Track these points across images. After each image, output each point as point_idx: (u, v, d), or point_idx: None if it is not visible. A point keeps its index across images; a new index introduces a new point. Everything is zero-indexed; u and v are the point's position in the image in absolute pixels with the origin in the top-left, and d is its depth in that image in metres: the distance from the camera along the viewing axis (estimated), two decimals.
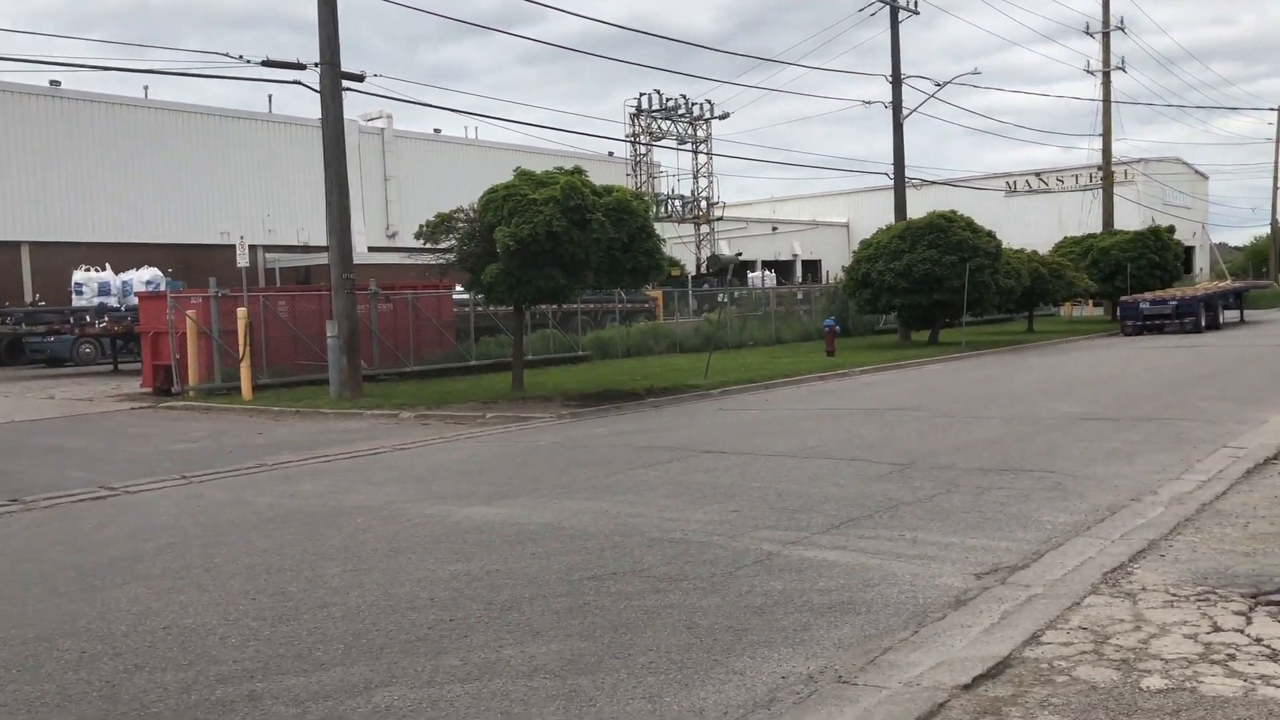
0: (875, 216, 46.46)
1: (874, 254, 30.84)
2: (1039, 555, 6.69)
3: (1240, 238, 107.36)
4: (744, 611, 5.72)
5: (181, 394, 20.34)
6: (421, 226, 18.52)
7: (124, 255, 33.61)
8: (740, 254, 55.67)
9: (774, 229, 65.28)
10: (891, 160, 35.58)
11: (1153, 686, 4.33)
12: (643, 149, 50.57)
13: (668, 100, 50.05)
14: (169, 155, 38.41)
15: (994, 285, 30.66)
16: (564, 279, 17.44)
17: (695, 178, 52.48)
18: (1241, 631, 4.95)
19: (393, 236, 43.64)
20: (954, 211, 31.33)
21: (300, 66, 18.89)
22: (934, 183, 49.05)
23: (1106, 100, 46.58)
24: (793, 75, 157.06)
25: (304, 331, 21.71)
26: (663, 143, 50.90)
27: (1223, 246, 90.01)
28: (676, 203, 52.11)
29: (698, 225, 52.67)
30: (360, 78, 19.64)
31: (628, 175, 47.90)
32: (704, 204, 52.62)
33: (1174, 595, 5.59)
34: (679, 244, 47.12)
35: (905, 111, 34.76)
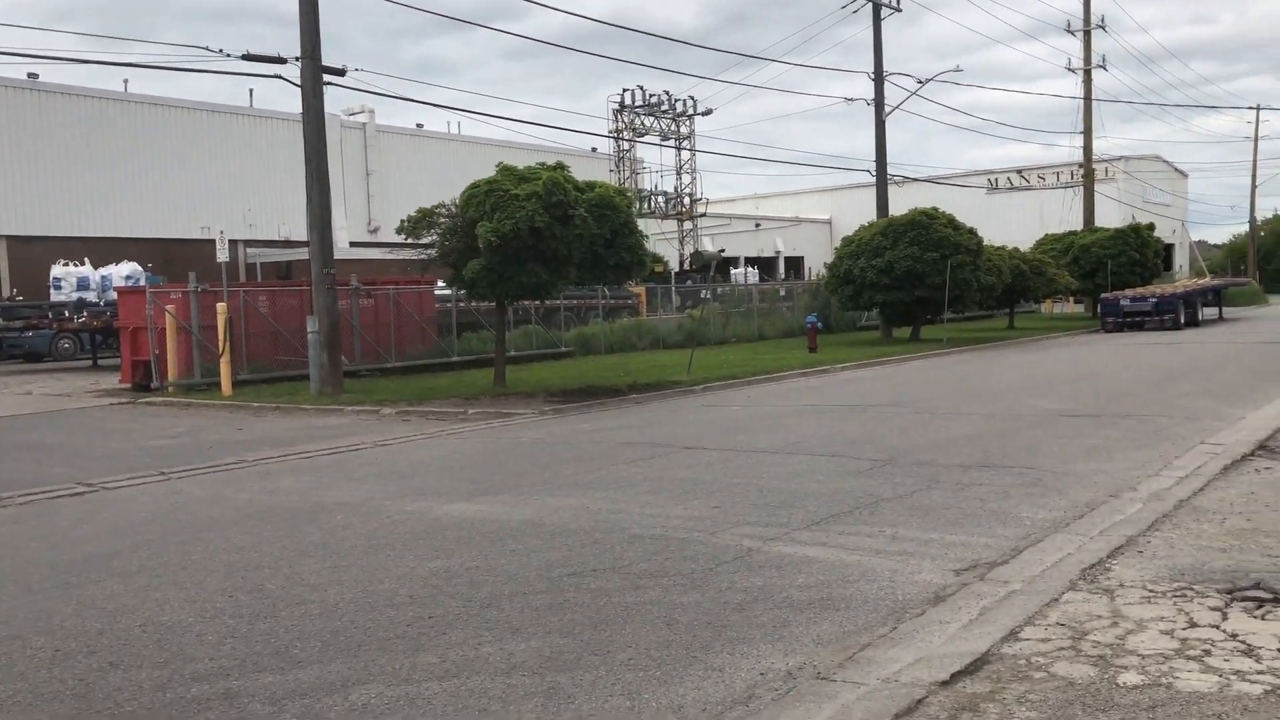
0: (858, 213, 46.53)
1: (856, 251, 30.92)
2: (1018, 552, 6.72)
3: (1219, 235, 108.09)
4: (724, 608, 5.71)
5: (161, 389, 20.21)
6: (403, 222, 18.44)
7: (103, 250, 33.34)
8: (723, 250, 55.71)
9: (757, 225, 65.32)
10: (874, 157, 35.66)
11: (1129, 682, 4.35)
12: (626, 145, 50.53)
13: (651, 96, 50.03)
14: (149, 149, 38.13)
15: (975, 282, 30.77)
16: (546, 275, 17.40)
17: (678, 174, 52.48)
18: (1217, 627, 4.98)
19: (375, 232, 43.45)
20: (936, 209, 31.42)
21: (281, 60, 18.77)
22: (916, 180, 49.18)
23: (1088, 98, 46.81)
24: (776, 72, 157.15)
25: (285, 327, 21.60)
26: (646, 139, 50.87)
27: (1202, 244, 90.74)
28: (660, 199, 52.10)
29: (681, 221, 52.67)
30: (341, 72, 19.54)
31: (611, 171, 47.85)
32: (687, 200, 52.62)
33: (1151, 591, 5.62)
34: (662, 240, 47.09)
35: (887, 109, 34.84)
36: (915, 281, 29.67)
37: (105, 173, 37.22)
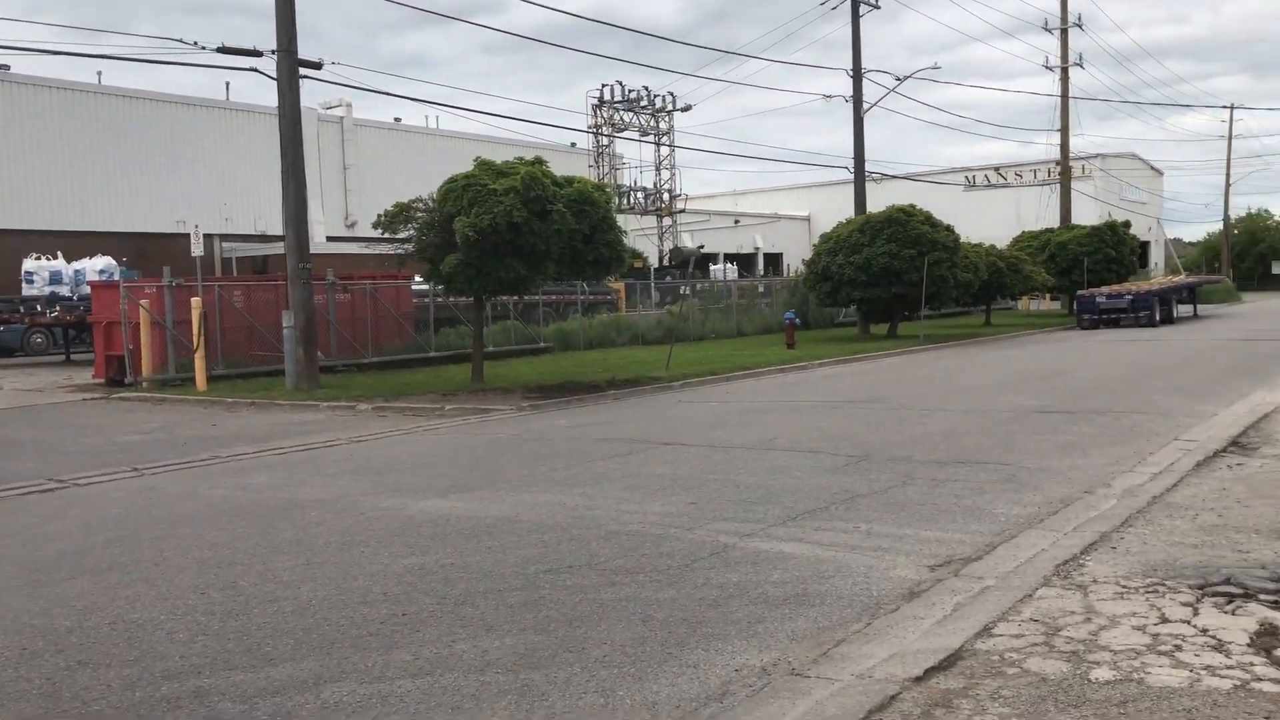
0: (836, 210, 46.64)
1: (834, 247, 30.99)
2: (992, 547, 6.74)
3: (1194, 233, 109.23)
4: (699, 604, 5.71)
5: (135, 385, 20.04)
6: (380, 216, 18.34)
7: (77, 244, 33.00)
8: (702, 246, 55.75)
9: (736, 222, 65.36)
10: (852, 154, 35.73)
11: (1101, 678, 4.36)
12: (605, 140, 50.46)
13: (630, 92, 49.96)
14: (123, 142, 37.77)
15: (952, 279, 30.90)
16: (524, 270, 17.35)
17: (657, 170, 52.44)
18: (1188, 623, 5.01)
19: (352, 226, 43.22)
20: (913, 206, 31.53)
21: (256, 54, 18.64)
22: (894, 177, 49.31)
23: (1064, 96, 47.10)
24: (755, 68, 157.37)
25: (260, 322, 21.46)
26: (625, 134, 50.80)
27: (1177, 242, 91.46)
28: (639, 195, 52.05)
29: (660, 217, 52.65)
30: (318, 65, 19.42)
31: (590, 166, 47.76)
32: (666, 196, 52.60)
33: (1124, 587, 5.65)
34: (641, 236, 47.04)
35: (866, 106, 34.92)
36: (893, 278, 29.77)
37: (79, 166, 36.85)
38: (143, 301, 20.14)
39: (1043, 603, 5.44)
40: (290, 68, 18.56)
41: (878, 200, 34.81)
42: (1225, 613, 5.14)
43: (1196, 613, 5.16)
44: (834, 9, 35.62)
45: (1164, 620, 5.06)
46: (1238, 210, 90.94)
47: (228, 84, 42.30)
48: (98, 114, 37.67)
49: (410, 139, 47.43)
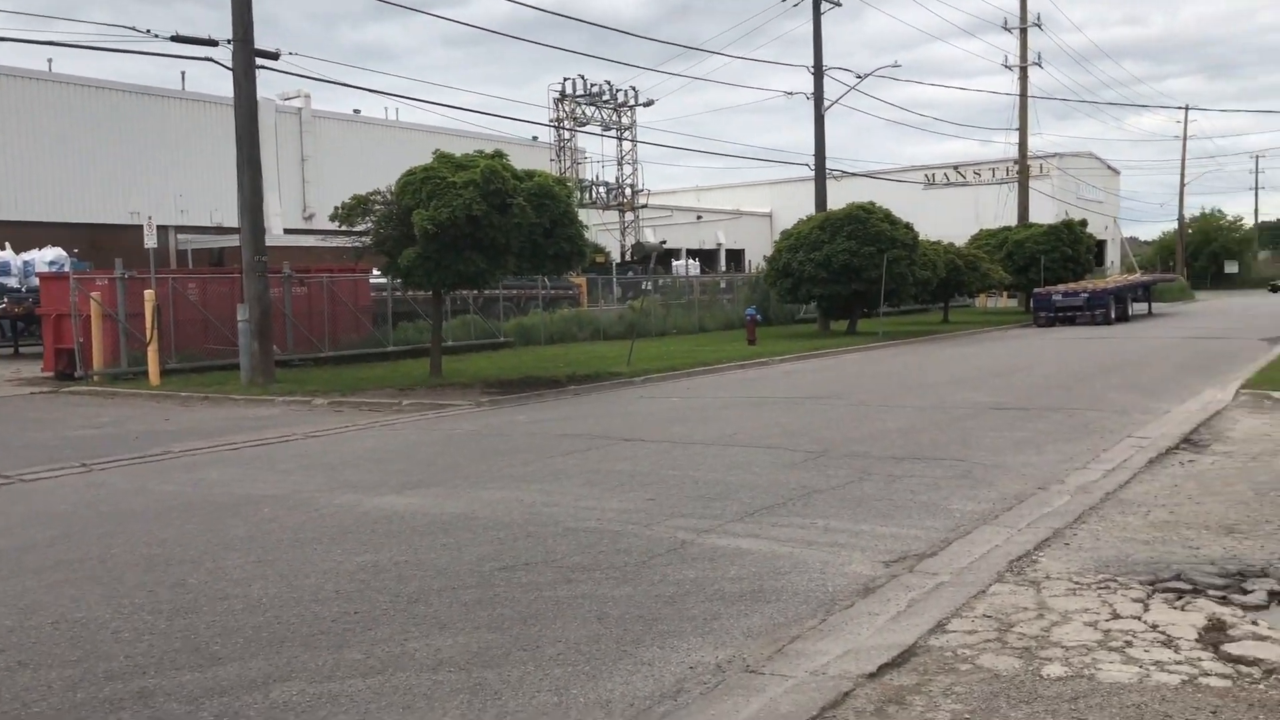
0: (798, 207, 46.78)
1: (795, 244, 31.10)
2: (947, 543, 6.77)
3: (1150, 232, 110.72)
4: (655, 601, 5.68)
5: (85, 378, 19.70)
6: (337, 209, 18.14)
7: (26, 234, 32.35)
8: (664, 242, 55.71)
9: (698, 218, 65.42)
10: (814, 151, 35.85)
11: (1053, 674, 4.39)
12: (567, 135, 50.28)
13: (592, 86, 49.78)
14: (75, 131, 37.08)
15: (911, 276, 31.12)
16: (484, 264, 17.24)
17: (620, 164, 52.33)
18: (1139, 618, 5.06)
19: (309, 219, 42.73)
20: (873, 203, 31.73)
21: (212, 43, 18.34)
22: (855, 174, 49.57)
23: (1023, 95, 47.55)
24: (717, 64, 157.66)
25: (215, 315, 21.17)
26: (587, 129, 50.65)
27: (1133, 240, 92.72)
28: (601, 189, 51.92)
29: (622, 212, 52.56)
30: (275, 56, 19.15)
31: (552, 160, 47.57)
32: (628, 191, 52.52)
33: (1076, 583, 5.69)
34: (603, 231, 46.96)
35: (826, 103, 35.03)
36: (852, 275, 29.93)
37: (28, 155, 36.14)
38: (94, 294, 19.80)
39: (996, 599, 5.47)
40: (246, 58, 18.31)
41: (838, 197, 34.97)
42: (1175, 608, 5.20)
43: (1147, 609, 5.20)
44: (795, 5, 35.68)
45: (1115, 616, 5.10)
46: (1192, 210, 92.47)
47: (183, 73, 41.74)
48: (48, 102, 36.96)
49: (370, 131, 47.00)
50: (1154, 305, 44.63)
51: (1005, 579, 5.82)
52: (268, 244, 19.37)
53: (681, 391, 17.29)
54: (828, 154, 35.34)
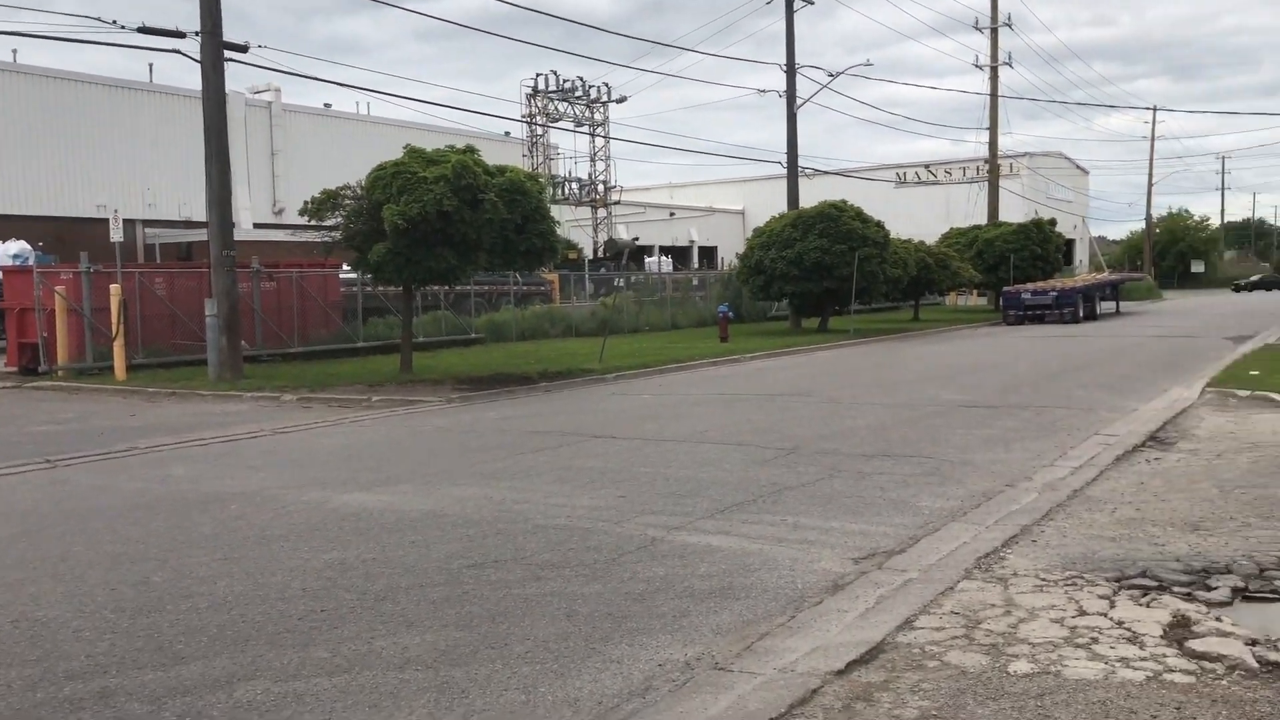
0: (770, 205, 46.90)
1: (767, 242, 31.16)
2: (916, 540, 6.80)
3: (1118, 232, 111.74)
4: (624, 599, 5.66)
5: (49, 374, 19.45)
6: (306, 203, 18.00)
7: None
8: (637, 239, 55.69)
9: (671, 214, 65.44)
10: (786, 149, 35.93)
11: (1019, 671, 4.41)
12: (539, 130, 50.13)
13: (565, 82, 49.66)
14: (41, 124, 36.57)
15: (882, 274, 31.27)
16: (455, 260, 17.15)
17: (592, 161, 52.24)
18: (1105, 615, 5.09)
19: (279, 213, 42.38)
20: (844, 201, 31.85)
21: (180, 35, 18.13)
22: (827, 173, 49.74)
23: (994, 95, 47.85)
24: (690, 61, 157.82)
25: (183, 310, 20.95)
26: (560, 125, 50.53)
27: (1101, 240, 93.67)
28: (573, 185, 51.81)
29: (595, 209, 52.49)
30: (244, 49, 18.96)
31: (524, 156, 47.42)
32: (601, 187, 52.44)
33: (1043, 580, 5.72)
34: (576, 227, 46.87)
35: (799, 101, 35.11)
36: (824, 273, 30.03)
37: None
38: (58, 288, 19.54)
39: (964, 595, 5.49)
40: (215, 50, 18.12)
41: (811, 195, 35.07)
42: (1140, 605, 5.23)
43: (1113, 605, 5.24)
44: (768, 3, 35.72)
45: (1081, 613, 5.13)
46: (1160, 210, 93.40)
47: (151, 65, 41.25)
48: (13, 93, 36.44)
49: (341, 125, 46.67)
50: (1122, 304, 45.06)
51: (973, 576, 5.85)
52: (237, 238, 19.19)
53: (653, 388, 17.28)
54: (800, 152, 35.45)
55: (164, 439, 12.24)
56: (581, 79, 50.07)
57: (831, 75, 36.47)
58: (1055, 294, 35.93)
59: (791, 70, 34.76)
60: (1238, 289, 77.35)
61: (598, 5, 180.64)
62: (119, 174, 37.98)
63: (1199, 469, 8.95)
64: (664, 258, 56.16)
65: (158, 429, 13.15)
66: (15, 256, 26.86)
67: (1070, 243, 65.14)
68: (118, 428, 13.41)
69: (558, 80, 49.42)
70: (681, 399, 15.61)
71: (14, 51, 37.59)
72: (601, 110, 51.24)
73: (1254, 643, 4.64)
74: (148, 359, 19.93)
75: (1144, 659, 4.50)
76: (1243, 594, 5.46)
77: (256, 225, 39.58)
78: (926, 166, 70.77)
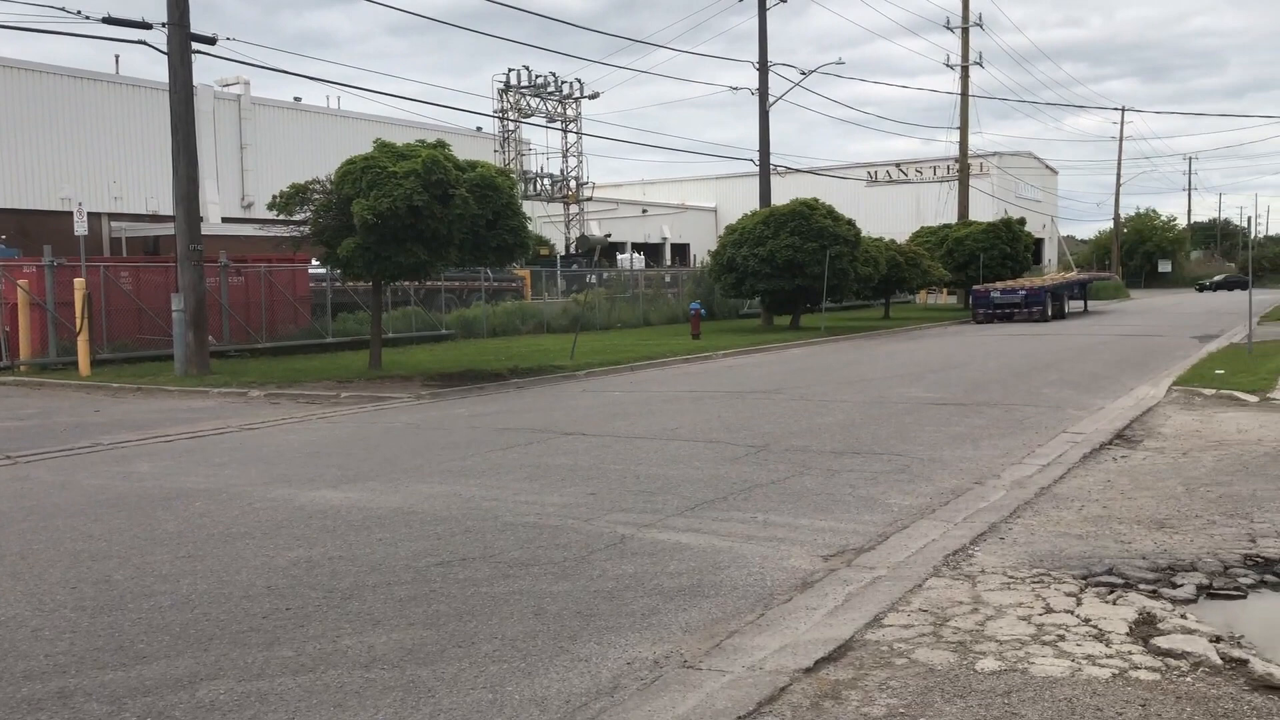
0: (742, 202, 46.99)
1: (739, 239, 31.21)
2: (884, 537, 6.81)
3: (1086, 231, 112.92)
4: (594, 596, 5.63)
5: (11, 368, 19.18)
6: (275, 197, 17.84)
7: None
8: (609, 235, 55.64)
9: (644, 211, 65.42)
10: (758, 147, 36.00)
11: (987, 668, 4.41)
12: (511, 126, 49.96)
13: (538, 77, 49.53)
14: (4, 115, 36.03)
15: (853, 272, 31.40)
16: (425, 255, 17.05)
17: (565, 157, 52.15)
18: (1072, 613, 5.11)
19: (248, 207, 42.00)
20: (816, 200, 31.95)
21: (146, 26, 17.91)
22: (799, 170, 49.90)
23: (964, 94, 48.13)
24: (663, 58, 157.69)
25: (149, 305, 20.72)
26: (532, 120, 50.38)
27: (1070, 239, 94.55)
28: (545, 181, 51.69)
29: (567, 205, 52.38)
30: (212, 40, 18.76)
31: (496, 152, 47.26)
32: (573, 184, 52.35)
33: (1011, 578, 5.74)
34: (548, 223, 46.77)
35: (771, 99, 35.17)
36: (796, 270, 30.12)
37: None
38: (21, 281, 19.27)
39: (932, 593, 5.50)
40: (182, 42, 17.92)
41: (783, 193, 35.16)
42: (1107, 603, 5.26)
43: (1080, 603, 5.26)
44: (741, 1, 35.78)
45: (1048, 610, 5.15)
46: (1128, 210, 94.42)
47: (117, 57, 40.76)
48: None
49: (311, 119, 46.30)
50: (1090, 303, 45.49)
51: (941, 573, 5.86)
52: (205, 233, 19.01)
53: (625, 385, 17.25)
54: (772, 150, 35.55)
55: (128, 435, 12.09)
56: (554, 74, 50.00)
57: (804, 73, 36.57)
58: (1024, 293, 36.22)
59: (764, 68, 34.81)
60: (1202, 289, 78.30)
61: (571, 1, 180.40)
62: (84, 167, 37.51)
63: (1165, 467, 9.02)
64: (636, 254, 56.14)
65: (122, 425, 12.99)
66: None
67: (1039, 242, 65.60)
68: (81, 424, 13.23)
69: (530, 76, 49.30)
70: (652, 396, 15.59)
71: None
72: (574, 106, 51.15)
73: (1218, 640, 4.67)
74: (113, 354, 19.71)
75: (1110, 656, 4.52)
76: (1208, 591, 5.50)
77: (225, 219, 39.20)
78: (898, 165, 71.12)
